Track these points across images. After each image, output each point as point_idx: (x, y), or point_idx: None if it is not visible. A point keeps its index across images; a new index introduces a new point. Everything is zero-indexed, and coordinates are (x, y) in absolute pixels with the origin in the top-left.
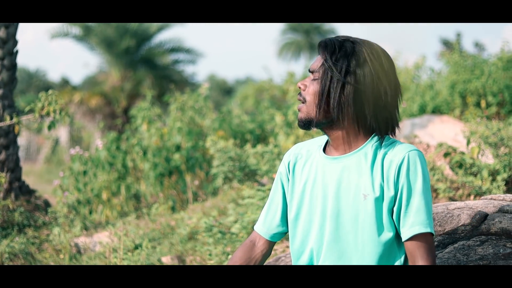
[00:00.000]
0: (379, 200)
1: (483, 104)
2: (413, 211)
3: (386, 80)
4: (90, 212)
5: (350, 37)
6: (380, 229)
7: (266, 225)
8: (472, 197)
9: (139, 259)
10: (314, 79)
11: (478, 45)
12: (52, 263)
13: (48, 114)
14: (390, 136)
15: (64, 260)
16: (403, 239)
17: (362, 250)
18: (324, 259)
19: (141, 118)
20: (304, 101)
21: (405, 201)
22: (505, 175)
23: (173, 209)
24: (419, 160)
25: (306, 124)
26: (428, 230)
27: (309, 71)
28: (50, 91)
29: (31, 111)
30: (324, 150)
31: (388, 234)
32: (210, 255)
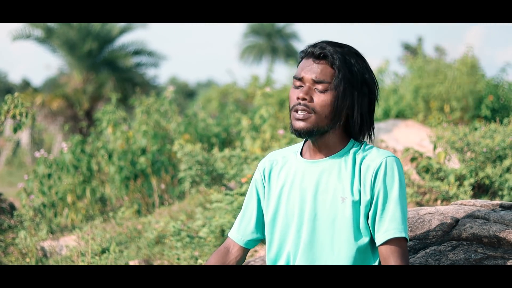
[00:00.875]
0: (356, 204)
1: (446, 109)
2: (388, 217)
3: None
4: (55, 215)
5: (333, 41)
6: (356, 233)
7: (240, 231)
8: (439, 201)
9: (107, 263)
10: (323, 90)
11: (439, 49)
12: None
13: (14, 117)
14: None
15: (30, 263)
16: (378, 243)
17: (338, 254)
18: (299, 262)
19: (106, 121)
20: (311, 112)
21: (381, 206)
22: (472, 180)
23: (138, 212)
24: (396, 166)
25: (310, 133)
26: (402, 235)
27: (313, 81)
28: (16, 94)
29: None
30: (301, 154)
31: (363, 239)
32: (178, 259)
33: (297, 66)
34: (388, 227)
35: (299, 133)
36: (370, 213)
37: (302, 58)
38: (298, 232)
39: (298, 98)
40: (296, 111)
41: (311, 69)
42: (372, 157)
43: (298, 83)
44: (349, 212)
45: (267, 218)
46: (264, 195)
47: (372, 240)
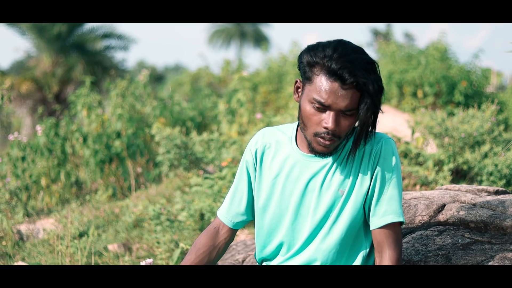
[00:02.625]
0: (355, 194)
1: (420, 94)
2: (386, 200)
3: None
4: (28, 199)
5: (352, 55)
6: (352, 222)
7: (230, 213)
8: (418, 186)
9: (86, 246)
10: (350, 115)
11: (408, 35)
12: None
13: None
14: None
15: (6, 247)
16: (373, 227)
17: (333, 242)
18: (296, 253)
19: (81, 105)
20: (336, 139)
21: (378, 189)
22: (451, 165)
23: (114, 196)
24: (393, 149)
25: (330, 153)
26: (400, 219)
27: (343, 111)
28: None
29: None
30: (296, 142)
31: (358, 225)
32: (158, 243)
33: (306, 73)
34: (386, 211)
35: (320, 155)
36: (367, 196)
37: (315, 67)
38: (293, 225)
39: (326, 128)
40: (323, 138)
41: (341, 98)
42: (370, 142)
43: (320, 106)
44: (346, 203)
45: (257, 204)
46: (255, 178)
47: (365, 222)
